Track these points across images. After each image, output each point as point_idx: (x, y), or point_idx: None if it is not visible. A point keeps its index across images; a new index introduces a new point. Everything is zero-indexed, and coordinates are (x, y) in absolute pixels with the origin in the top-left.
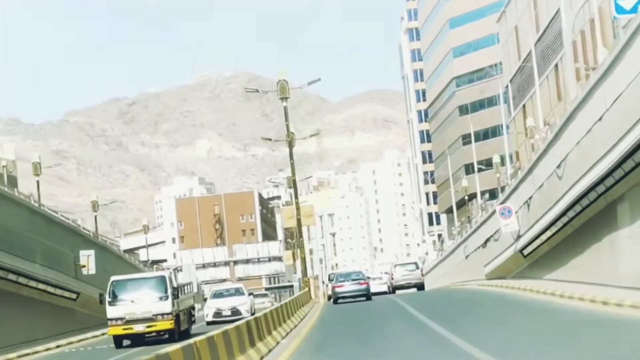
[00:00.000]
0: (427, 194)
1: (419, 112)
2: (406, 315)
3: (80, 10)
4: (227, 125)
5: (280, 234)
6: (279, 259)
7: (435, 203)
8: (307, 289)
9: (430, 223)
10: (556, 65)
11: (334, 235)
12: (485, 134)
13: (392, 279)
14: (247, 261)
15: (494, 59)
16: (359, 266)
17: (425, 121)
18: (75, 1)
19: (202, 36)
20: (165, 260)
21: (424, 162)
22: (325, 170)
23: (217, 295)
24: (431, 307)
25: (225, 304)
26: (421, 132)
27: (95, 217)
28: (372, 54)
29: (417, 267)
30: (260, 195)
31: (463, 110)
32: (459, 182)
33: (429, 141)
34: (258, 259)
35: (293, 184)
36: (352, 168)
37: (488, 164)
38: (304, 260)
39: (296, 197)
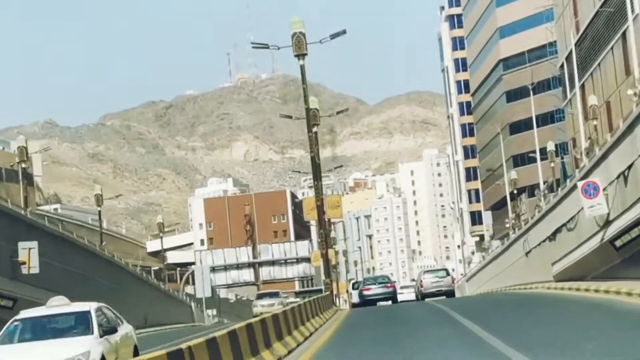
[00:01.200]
0: (469, 192)
1: (461, 104)
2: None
3: (115, 13)
4: (265, 127)
5: (314, 237)
6: (309, 260)
7: (478, 201)
8: (328, 293)
9: (473, 222)
10: (623, 35)
11: (370, 237)
12: (535, 122)
13: (421, 286)
14: (273, 263)
15: (545, 39)
16: (396, 270)
17: (468, 114)
18: (111, 4)
19: (238, 38)
20: (192, 263)
21: (466, 157)
22: (362, 172)
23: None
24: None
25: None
26: (463, 126)
27: (100, 212)
28: (410, 55)
29: (447, 274)
30: (293, 195)
31: (510, 96)
32: (506, 175)
33: (471, 135)
34: (285, 260)
35: (313, 163)
36: (390, 170)
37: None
38: (326, 257)
39: (316, 180)
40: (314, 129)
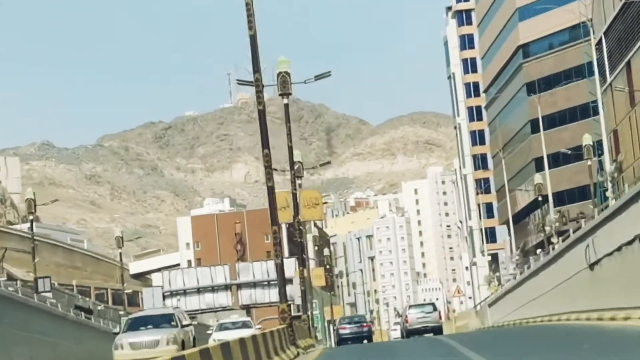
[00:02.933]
0: (479, 207)
1: (470, 109)
2: None
3: (114, 32)
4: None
5: (312, 256)
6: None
7: (491, 216)
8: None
9: (486, 240)
10: None
11: (372, 259)
12: (562, 118)
13: (406, 321)
14: (254, 284)
15: (573, 19)
16: (400, 293)
17: (477, 119)
18: (108, 23)
19: (239, 58)
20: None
21: (476, 168)
22: (364, 192)
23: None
24: None
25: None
26: (472, 134)
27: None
28: (413, 75)
29: (435, 309)
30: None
31: (532, 88)
32: (528, 181)
33: (482, 143)
34: (268, 281)
35: (290, 152)
36: (393, 190)
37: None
38: (302, 274)
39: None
40: (285, 100)
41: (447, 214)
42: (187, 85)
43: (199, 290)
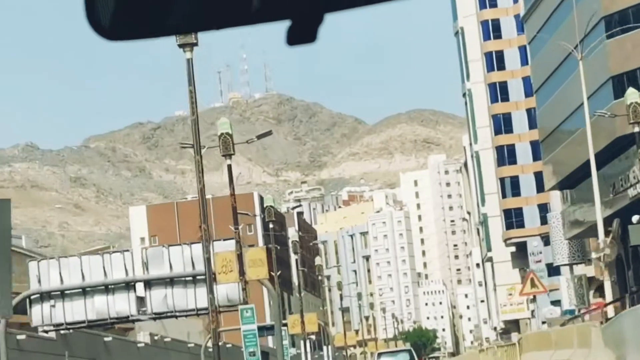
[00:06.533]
0: (502, 181)
1: (488, 56)
2: None
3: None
4: (258, 149)
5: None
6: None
7: (513, 195)
8: None
9: (509, 225)
10: None
11: (367, 258)
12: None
13: None
14: (171, 281)
15: None
16: (399, 297)
17: (498, 69)
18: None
19: (230, 57)
20: None
21: (496, 132)
22: (359, 187)
23: None
24: None
25: None
26: (491, 88)
27: None
28: (410, 72)
29: (412, 358)
30: (262, 200)
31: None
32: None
33: (504, 99)
34: (194, 276)
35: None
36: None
37: None
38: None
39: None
40: (228, 161)
41: (450, 208)
42: (176, 84)
43: (85, 292)
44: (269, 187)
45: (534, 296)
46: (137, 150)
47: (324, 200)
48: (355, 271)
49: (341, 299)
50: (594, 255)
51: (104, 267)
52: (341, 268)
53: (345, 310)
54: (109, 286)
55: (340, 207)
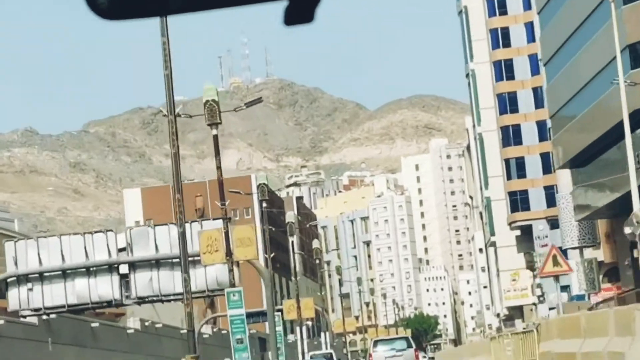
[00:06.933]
0: (507, 163)
1: (493, 33)
2: None
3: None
4: (258, 134)
5: (295, 245)
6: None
7: (519, 177)
8: None
9: (514, 208)
10: None
11: (368, 244)
12: None
13: None
14: (157, 263)
15: None
16: (399, 282)
17: (504, 45)
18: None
19: (231, 42)
20: None
21: (501, 112)
22: (360, 171)
23: None
24: None
25: None
26: (496, 66)
27: None
28: (411, 57)
29: (409, 345)
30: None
31: None
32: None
33: (509, 77)
34: (179, 257)
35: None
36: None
37: None
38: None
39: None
40: (214, 131)
41: (452, 193)
42: (176, 69)
43: (65, 274)
44: (270, 173)
45: (558, 276)
46: (137, 135)
47: (324, 185)
48: (355, 257)
49: (340, 284)
50: (627, 230)
51: (85, 248)
52: (341, 253)
53: (345, 297)
54: (91, 268)
55: (340, 191)
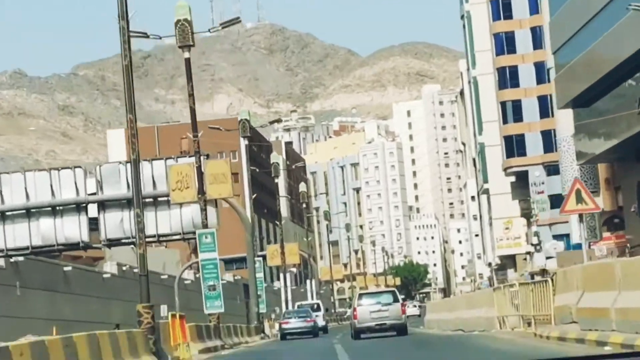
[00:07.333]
0: (503, 106)
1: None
2: None
3: None
4: (249, 80)
5: (282, 188)
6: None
7: (515, 121)
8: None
9: (509, 153)
10: None
11: (358, 190)
12: None
13: (355, 317)
14: (128, 203)
15: None
16: (389, 230)
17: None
18: None
19: None
20: None
21: (502, 86)
22: (351, 117)
23: None
24: None
25: None
26: (498, 37)
27: None
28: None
29: (395, 299)
30: (251, 128)
31: None
32: None
33: (507, 17)
34: (154, 197)
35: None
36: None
37: None
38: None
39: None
40: (186, 54)
41: (444, 140)
42: (167, 12)
43: (30, 214)
44: (260, 118)
45: (582, 215)
46: None
47: (314, 130)
48: (345, 203)
49: (328, 229)
50: None
51: (51, 186)
52: (330, 200)
53: (334, 244)
54: (57, 207)
55: (330, 137)
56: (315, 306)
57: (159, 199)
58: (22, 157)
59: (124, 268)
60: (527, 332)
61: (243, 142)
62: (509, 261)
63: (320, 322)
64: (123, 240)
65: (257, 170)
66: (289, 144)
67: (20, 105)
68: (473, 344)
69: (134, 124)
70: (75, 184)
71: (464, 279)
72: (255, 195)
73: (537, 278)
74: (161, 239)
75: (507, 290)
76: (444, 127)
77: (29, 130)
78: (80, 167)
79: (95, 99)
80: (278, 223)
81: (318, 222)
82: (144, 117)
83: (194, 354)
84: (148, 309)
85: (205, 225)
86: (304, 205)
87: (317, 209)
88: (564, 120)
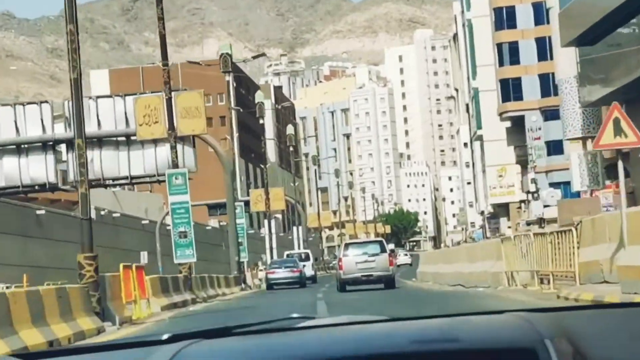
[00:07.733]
0: (499, 48)
1: None
2: None
3: None
4: (239, 24)
5: (269, 131)
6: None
7: (512, 63)
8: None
9: (505, 97)
10: None
11: (348, 136)
12: None
13: (340, 268)
14: (99, 142)
15: None
16: (380, 177)
17: None
18: None
19: None
20: None
21: (498, 27)
22: (343, 62)
23: None
24: None
25: None
26: None
27: None
28: None
29: (383, 250)
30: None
31: None
32: None
33: None
34: (128, 136)
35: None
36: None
37: None
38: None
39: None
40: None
41: (437, 86)
42: None
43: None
44: (250, 64)
45: (620, 150)
46: (117, 22)
47: (303, 75)
48: (335, 149)
49: (316, 175)
50: None
51: (15, 123)
52: (320, 145)
53: (323, 190)
54: (22, 146)
55: (321, 82)
56: (304, 255)
57: (132, 137)
58: (9, 99)
59: (102, 212)
60: (544, 291)
61: (226, 78)
62: (502, 210)
63: (309, 272)
64: (93, 183)
65: (241, 110)
66: (278, 88)
67: (8, 47)
68: (487, 307)
69: (75, 37)
70: (42, 120)
71: (455, 227)
72: (237, 134)
73: (535, 227)
74: (133, 180)
75: (517, 241)
76: (435, 73)
77: (15, 71)
78: (47, 102)
79: (84, 42)
80: (264, 167)
81: (307, 168)
82: (133, 60)
83: (155, 311)
84: (91, 259)
85: (176, 165)
86: (292, 149)
87: (306, 155)
88: (563, 62)
